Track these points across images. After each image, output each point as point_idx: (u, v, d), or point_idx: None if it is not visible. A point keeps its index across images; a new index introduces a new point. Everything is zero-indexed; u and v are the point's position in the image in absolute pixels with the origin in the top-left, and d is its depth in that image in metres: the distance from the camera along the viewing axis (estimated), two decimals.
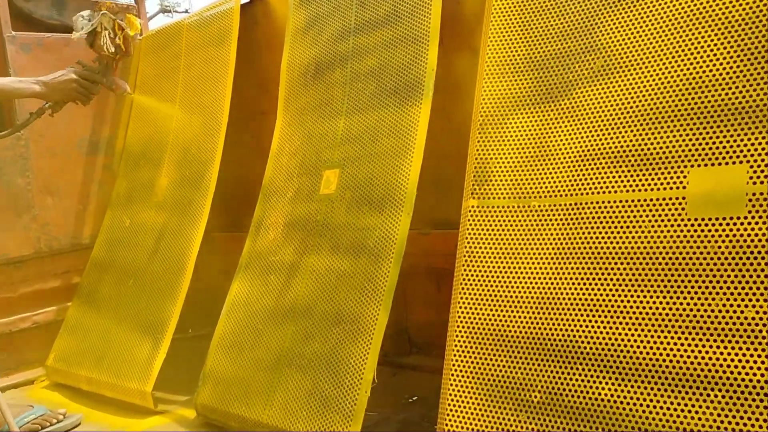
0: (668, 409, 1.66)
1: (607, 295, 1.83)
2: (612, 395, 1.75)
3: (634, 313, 1.77)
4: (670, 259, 1.75)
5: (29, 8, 3.79)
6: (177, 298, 2.95)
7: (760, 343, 1.57)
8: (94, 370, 3.15)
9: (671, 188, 1.79)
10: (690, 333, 1.68)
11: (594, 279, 1.86)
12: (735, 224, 1.67)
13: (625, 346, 1.76)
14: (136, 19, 2.73)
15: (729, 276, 1.65)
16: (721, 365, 1.61)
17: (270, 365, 2.46)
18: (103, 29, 2.60)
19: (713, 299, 1.66)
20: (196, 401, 2.71)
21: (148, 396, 2.84)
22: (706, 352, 1.64)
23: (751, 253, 1.63)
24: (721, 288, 1.65)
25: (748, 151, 1.68)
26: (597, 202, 1.91)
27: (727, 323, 1.63)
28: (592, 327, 1.83)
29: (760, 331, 1.58)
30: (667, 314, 1.72)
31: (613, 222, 1.87)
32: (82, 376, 3.21)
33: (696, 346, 1.66)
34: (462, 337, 2.05)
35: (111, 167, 3.83)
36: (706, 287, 1.67)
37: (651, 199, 1.82)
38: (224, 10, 3.32)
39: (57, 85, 2.58)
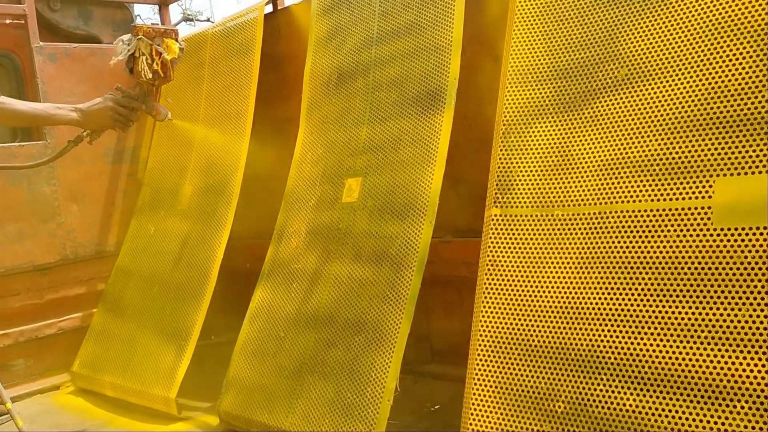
0: (694, 420, 1.64)
1: (631, 305, 1.82)
2: (637, 406, 1.74)
3: (659, 323, 1.76)
4: (696, 269, 1.73)
5: (56, 19, 3.85)
6: (201, 305, 2.98)
7: None
8: (118, 377, 3.19)
9: (697, 198, 1.78)
10: (717, 344, 1.66)
11: (618, 289, 1.85)
12: (762, 234, 1.65)
13: (651, 356, 1.75)
14: (174, 43, 2.60)
15: (756, 286, 1.63)
16: (747, 376, 1.60)
17: (292, 372, 2.47)
18: (141, 54, 2.51)
19: (740, 310, 1.64)
20: (219, 408, 2.73)
21: (171, 402, 2.86)
22: (733, 363, 1.62)
23: None
24: (747, 299, 1.64)
25: None
26: (621, 212, 1.90)
27: (753, 334, 1.61)
28: (617, 337, 1.82)
29: None
30: (692, 325, 1.70)
31: (637, 231, 1.86)
32: (107, 382, 3.25)
33: (723, 357, 1.64)
34: (485, 345, 2.05)
35: (136, 176, 3.87)
36: (732, 298, 1.66)
37: (676, 209, 1.80)
38: (248, 20, 3.35)
39: (94, 113, 2.52)
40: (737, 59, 1.77)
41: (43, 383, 3.54)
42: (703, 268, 1.72)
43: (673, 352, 1.72)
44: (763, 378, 1.57)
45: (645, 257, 1.83)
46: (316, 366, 2.41)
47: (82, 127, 2.56)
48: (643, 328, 1.78)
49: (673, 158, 1.83)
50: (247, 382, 2.65)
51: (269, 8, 3.51)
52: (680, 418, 1.66)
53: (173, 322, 3.07)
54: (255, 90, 3.18)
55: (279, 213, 2.94)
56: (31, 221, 3.51)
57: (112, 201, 3.84)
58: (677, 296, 1.75)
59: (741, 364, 1.61)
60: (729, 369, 1.63)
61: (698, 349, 1.68)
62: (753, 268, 1.65)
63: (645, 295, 1.80)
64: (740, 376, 1.61)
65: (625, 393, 1.77)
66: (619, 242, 1.89)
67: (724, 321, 1.66)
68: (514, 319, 2.03)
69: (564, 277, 1.97)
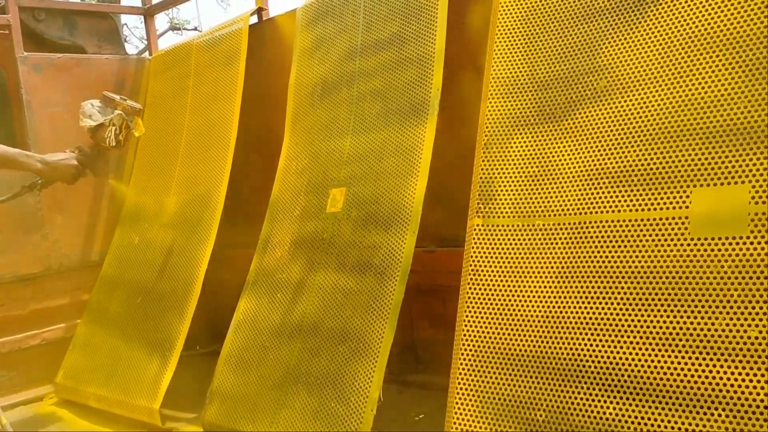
0: (673, 428, 1.66)
1: (611, 314, 1.84)
2: (617, 414, 1.76)
3: (638, 332, 1.78)
4: (674, 278, 1.76)
5: (41, 29, 3.86)
6: (185, 315, 2.97)
7: (764, 363, 1.58)
8: (102, 387, 3.18)
9: (674, 208, 1.80)
10: (694, 352, 1.68)
11: (598, 298, 1.87)
12: (738, 244, 1.68)
13: (629, 365, 1.77)
14: (141, 122, 2.93)
15: (732, 296, 1.66)
16: (724, 384, 1.62)
17: (276, 383, 2.47)
18: (111, 125, 2.76)
19: (716, 319, 1.67)
20: (203, 419, 2.72)
21: (155, 413, 2.86)
22: (710, 372, 1.65)
23: (754, 272, 1.64)
24: (724, 308, 1.66)
25: (750, 171, 1.69)
26: (601, 222, 1.92)
27: (730, 342, 1.64)
28: (596, 346, 1.84)
29: (764, 350, 1.58)
30: (670, 334, 1.73)
31: (617, 241, 1.88)
32: (91, 393, 3.23)
33: (700, 365, 1.66)
34: (467, 355, 2.06)
35: (121, 185, 3.87)
36: (710, 307, 1.68)
37: (654, 219, 1.83)
38: (233, 31, 3.37)
39: (59, 167, 2.67)
40: (714, 72, 1.80)
41: (26, 394, 3.51)
42: (680, 277, 1.75)
43: (652, 361, 1.74)
44: (740, 385, 1.59)
45: (624, 266, 1.85)
46: (300, 376, 2.41)
47: (43, 177, 2.67)
48: (622, 336, 1.80)
49: (651, 169, 1.86)
50: (231, 392, 2.65)
51: (254, 19, 3.52)
52: (660, 425, 1.68)
53: (157, 333, 3.06)
54: (240, 100, 3.19)
55: (264, 223, 2.94)
56: (16, 232, 3.50)
57: (97, 211, 3.83)
58: (655, 305, 1.77)
59: (719, 371, 1.63)
60: (707, 376, 1.65)
61: (676, 357, 1.70)
62: (729, 277, 1.67)
63: (624, 303, 1.82)
64: (718, 383, 1.63)
65: (605, 401, 1.78)
66: (598, 252, 1.91)
67: (701, 329, 1.68)
68: (496, 328, 2.04)
69: (545, 287, 1.99)
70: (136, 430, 2.94)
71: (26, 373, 3.56)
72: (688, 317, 1.71)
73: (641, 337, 1.77)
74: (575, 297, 1.92)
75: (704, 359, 1.66)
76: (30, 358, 3.57)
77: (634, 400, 1.74)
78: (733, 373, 1.61)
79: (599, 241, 1.92)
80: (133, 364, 3.09)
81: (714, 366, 1.64)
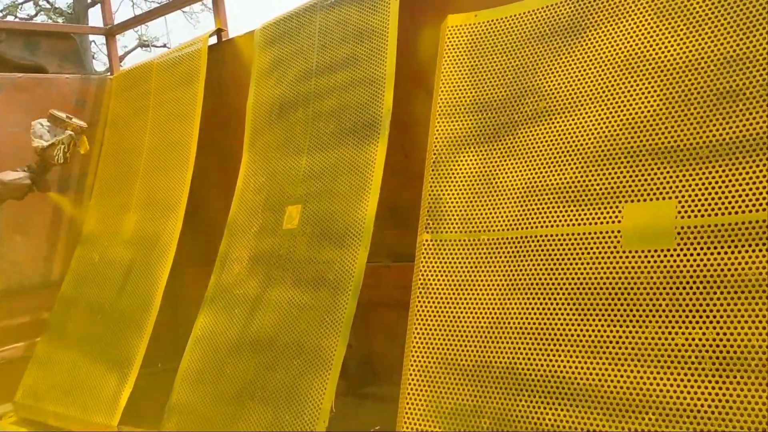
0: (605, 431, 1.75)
1: (548, 324, 1.92)
2: (555, 421, 1.84)
3: (573, 341, 1.87)
4: (608, 289, 1.85)
5: (2, 49, 3.88)
6: (144, 333, 3.00)
7: (689, 368, 1.67)
8: (61, 405, 3.18)
9: (607, 222, 1.90)
10: (626, 360, 1.77)
11: (537, 309, 1.96)
12: (666, 256, 1.78)
13: (565, 373, 1.85)
14: (86, 139, 3.16)
15: (660, 305, 1.76)
16: (655, 390, 1.71)
17: (233, 397, 2.51)
18: (61, 143, 2.97)
19: (647, 327, 1.76)
20: None
21: (113, 430, 2.87)
22: (641, 378, 1.74)
23: (680, 282, 1.74)
24: (653, 316, 1.76)
25: (677, 187, 1.80)
26: (540, 236, 2.02)
27: (659, 350, 1.73)
28: (535, 355, 1.92)
29: (689, 356, 1.68)
30: (604, 342, 1.82)
31: (555, 255, 1.98)
32: (50, 412, 3.23)
33: (631, 372, 1.76)
34: (416, 367, 2.13)
35: (81, 204, 3.88)
36: (640, 316, 1.78)
37: (589, 233, 1.93)
38: (192, 51, 3.43)
39: (14, 186, 2.86)
40: (644, 94, 1.92)
41: None
42: (613, 288, 1.84)
43: (587, 369, 1.82)
44: (668, 390, 1.69)
45: (561, 279, 1.94)
46: (256, 390, 2.46)
47: None
48: (558, 346, 1.89)
49: (586, 185, 1.96)
50: (188, 408, 2.68)
51: (214, 40, 3.58)
52: (593, 428, 1.76)
53: (116, 350, 3.08)
54: (199, 119, 3.24)
55: (222, 240, 2.99)
56: None
57: (57, 230, 3.84)
58: (590, 315, 1.86)
59: (649, 378, 1.73)
60: (638, 382, 1.74)
61: (609, 364, 1.79)
62: (659, 288, 1.77)
63: (561, 314, 1.91)
64: (648, 388, 1.72)
65: (543, 408, 1.87)
66: (538, 265, 2.00)
67: (633, 338, 1.77)
68: (444, 340, 2.12)
69: (489, 299, 2.07)
70: None
71: None
72: (620, 326, 1.80)
73: (577, 347, 1.86)
74: (517, 308, 2.00)
75: (635, 366, 1.76)
76: None
77: (570, 406, 1.82)
78: (661, 379, 1.71)
79: (539, 255, 2.01)
80: (92, 381, 3.10)
81: (644, 372, 1.74)
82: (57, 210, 3.83)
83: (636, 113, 1.92)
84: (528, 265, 2.02)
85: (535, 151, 2.09)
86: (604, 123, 1.97)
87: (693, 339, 1.68)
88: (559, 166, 2.03)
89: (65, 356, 3.35)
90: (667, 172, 1.83)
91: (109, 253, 3.47)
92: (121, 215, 3.51)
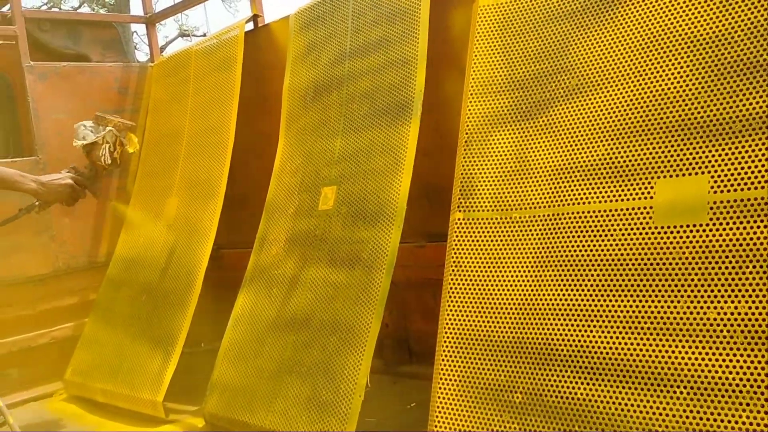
0: (638, 405, 1.76)
1: (582, 300, 1.94)
2: (587, 395, 1.85)
3: (606, 316, 1.88)
4: (640, 264, 1.86)
5: (46, 39, 4.00)
6: (186, 312, 3.09)
7: (721, 342, 1.67)
8: (108, 383, 3.30)
9: (639, 198, 1.90)
10: (658, 335, 1.78)
11: (570, 286, 1.97)
12: (698, 231, 1.78)
13: (598, 348, 1.87)
14: (135, 137, 2.95)
15: (693, 280, 1.75)
16: (686, 364, 1.71)
17: (272, 373, 2.59)
18: (105, 142, 2.81)
19: (678, 302, 1.76)
20: (204, 410, 2.84)
21: (159, 406, 2.97)
22: (672, 352, 1.74)
23: (713, 257, 1.74)
24: (685, 291, 1.76)
25: (710, 162, 1.79)
26: (572, 213, 2.02)
27: (691, 324, 1.73)
28: (568, 330, 1.94)
29: (721, 330, 1.68)
30: (636, 317, 1.82)
31: (587, 231, 1.98)
32: (98, 389, 3.35)
33: (663, 346, 1.76)
34: (449, 344, 2.17)
35: (126, 188, 3.99)
36: (672, 291, 1.78)
37: (621, 209, 1.93)
38: (230, 38, 3.49)
39: (54, 187, 2.70)
40: (676, 69, 1.90)
41: (36, 391, 3.64)
42: (646, 264, 1.85)
43: (619, 343, 1.84)
44: (699, 364, 1.69)
45: (594, 255, 1.95)
46: (294, 366, 2.52)
47: (38, 198, 2.72)
48: (591, 321, 1.90)
49: (618, 162, 1.96)
50: (230, 384, 2.76)
51: (250, 26, 3.64)
52: (625, 403, 1.78)
53: (160, 329, 3.18)
54: (237, 104, 3.31)
55: (260, 222, 3.06)
56: (25, 234, 3.62)
57: (103, 213, 3.96)
58: (623, 290, 1.87)
59: (680, 352, 1.73)
60: (669, 357, 1.74)
61: (641, 339, 1.80)
62: (690, 263, 1.77)
63: (594, 290, 1.92)
64: (679, 362, 1.72)
65: (575, 382, 1.88)
66: (570, 241, 2.01)
67: (665, 312, 1.78)
68: (476, 316, 2.15)
69: (521, 276, 2.09)
70: (140, 422, 3.05)
71: (37, 370, 3.69)
72: (653, 301, 1.81)
73: (609, 322, 1.87)
74: (549, 285, 2.02)
75: (667, 340, 1.76)
76: (40, 356, 3.70)
77: (602, 380, 1.84)
78: (693, 353, 1.71)
79: (571, 232, 2.02)
80: (138, 359, 3.21)
81: (676, 346, 1.74)
82: (104, 193, 3.95)
83: (668, 88, 1.91)
84: (560, 242, 2.03)
85: (567, 129, 2.09)
86: (636, 99, 1.97)
87: (725, 313, 1.68)
88: (591, 142, 2.03)
89: (112, 335, 3.47)
90: (700, 147, 1.82)
91: (153, 235, 3.57)
92: (163, 198, 3.61)
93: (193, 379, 3.21)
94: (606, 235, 1.94)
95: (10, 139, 4.03)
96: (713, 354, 1.68)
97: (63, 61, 3.92)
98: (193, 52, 3.75)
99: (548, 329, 1.98)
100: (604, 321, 1.88)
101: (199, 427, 2.89)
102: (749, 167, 1.72)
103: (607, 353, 1.85)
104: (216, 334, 3.50)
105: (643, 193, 1.90)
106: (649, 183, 1.89)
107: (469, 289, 2.19)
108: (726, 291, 1.69)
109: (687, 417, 1.68)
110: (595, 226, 1.97)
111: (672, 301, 1.78)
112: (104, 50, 4.22)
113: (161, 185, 3.69)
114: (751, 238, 1.67)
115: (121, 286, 3.62)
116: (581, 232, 1.99)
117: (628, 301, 1.85)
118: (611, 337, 1.85)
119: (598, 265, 1.93)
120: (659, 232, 1.84)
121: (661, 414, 1.72)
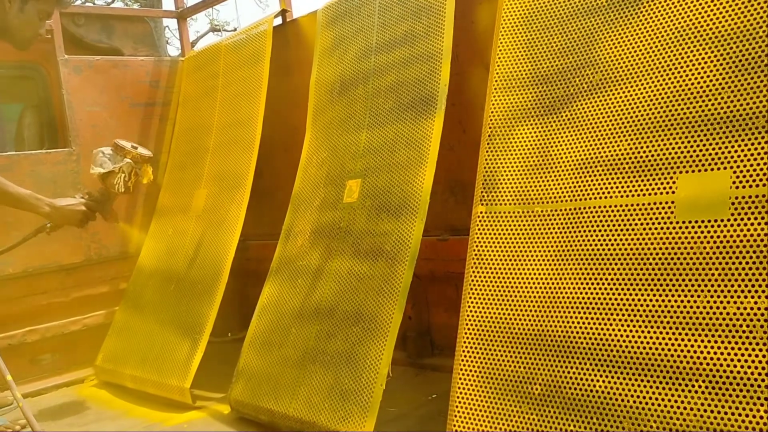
0: (657, 399, 1.77)
1: (602, 294, 1.95)
2: (606, 388, 1.87)
3: (626, 310, 1.89)
4: (661, 259, 1.87)
5: (81, 33, 4.09)
6: (214, 301, 3.15)
7: (740, 337, 1.68)
8: (138, 369, 3.38)
9: (661, 193, 1.91)
10: (678, 329, 1.79)
11: (591, 279, 1.99)
12: (719, 226, 1.78)
13: (618, 341, 1.88)
14: (150, 168, 3.10)
15: (714, 274, 1.76)
16: (705, 358, 1.72)
17: (296, 362, 2.64)
18: (121, 172, 2.93)
19: (698, 297, 1.77)
20: (230, 397, 2.90)
21: (186, 392, 3.04)
22: (692, 347, 1.75)
23: (734, 252, 1.74)
24: (705, 286, 1.77)
25: (732, 157, 1.79)
26: (594, 207, 2.04)
27: (711, 319, 1.74)
28: (589, 324, 1.95)
29: (741, 326, 1.68)
30: (656, 311, 1.83)
31: (609, 225, 2.00)
32: (128, 375, 3.44)
33: (683, 340, 1.77)
34: (470, 336, 2.19)
35: (155, 180, 4.07)
36: (692, 286, 1.79)
37: (643, 204, 1.94)
38: (258, 33, 3.54)
39: (66, 212, 2.82)
40: (699, 65, 1.90)
41: (68, 377, 3.74)
42: (666, 258, 1.85)
43: (639, 337, 1.85)
44: (719, 358, 1.70)
45: (615, 249, 1.96)
46: (318, 355, 2.57)
47: (50, 220, 2.84)
48: (612, 314, 1.92)
49: (641, 156, 1.97)
50: (255, 372, 2.82)
51: (279, 21, 3.69)
52: (644, 397, 1.79)
53: (189, 318, 3.25)
54: (264, 98, 3.36)
55: (287, 214, 3.11)
56: None
57: (134, 204, 4.05)
58: (643, 285, 1.88)
59: (699, 346, 1.74)
60: (689, 351, 1.75)
61: (661, 333, 1.81)
62: (711, 258, 1.77)
63: (614, 284, 1.94)
64: (699, 356, 1.73)
65: (595, 375, 1.90)
66: (592, 236, 2.02)
67: (685, 307, 1.79)
68: (497, 309, 2.17)
69: (542, 269, 2.11)
70: (168, 408, 3.13)
71: (69, 356, 3.80)
72: (673, 296, 1.82)
73: (629, 315, 1.88)
74: (570, 278, 2.03)
75: (687, 335, 1.77)
76: (72, 343, 3.80)
77: (621, 373, 1.85)
78: (713, 347, 1.72)
79: (593, 226, 2.03)
80: (166, 347, 3.29)
81: (695, 341, 1.75)
82: (135, 184, 4.03)
83: (691, 84, 1.91)
84: (581, 236, 2.04)
85: (590, 123, 2.11)
86: (659, 94, 1.97)
87: (745, 309, 1.68)
88: (614, 137, 2.04)
89: (142, 323, 3.56)
90: (722, 142, 1.82)
91: (182, 226, 3.64)
92: (192, 190, 3.68)
93: (219, 368, 3.27)
94: (627, 230, 1.95)
95: (45, 131, 4.13)
96: (732, 349, 1.68)
97: (97, 55, 4.01)
98: (223, 46, 3.82)
99: (568, 322, 2.00)
100: (624, 315, 1.89)
101: (225, 413, 2.96)
102: None
103: (627, 347, 1.86)
104: (242, 325, 3.57)
105: (665, 188, 1.90)
106: (671, 178, 1.90)
107: (491, 281, 2.21)
108: (746, 286, 1.69)
109: (705, 411, 1.69)
110: (617, 221, 1.98)
111: (692, 296, 1.78)
112: (136, 44, 4.31)
113: (190, 177, 3.76)
114: None
115: (150, 276, 3.70)
116: (603, 226, 2.01)
117: (649, 295, 1.86)
118: (631, 331, 1.87)
119: (619, 259, 1.94)
120: (681, 227, 1.85)
121: (679, 408, 1.73)
